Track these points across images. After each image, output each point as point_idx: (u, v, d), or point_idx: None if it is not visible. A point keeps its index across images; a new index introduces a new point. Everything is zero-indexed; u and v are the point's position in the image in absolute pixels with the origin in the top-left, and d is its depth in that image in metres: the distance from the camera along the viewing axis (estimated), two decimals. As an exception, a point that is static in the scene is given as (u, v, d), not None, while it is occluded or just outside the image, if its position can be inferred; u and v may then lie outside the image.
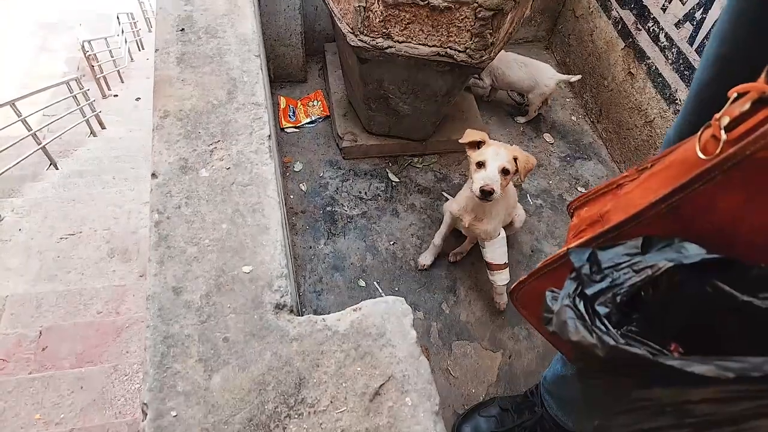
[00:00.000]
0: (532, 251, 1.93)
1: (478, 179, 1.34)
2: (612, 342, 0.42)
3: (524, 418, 1.40)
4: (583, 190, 2.13)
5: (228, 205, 0.80)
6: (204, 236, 0.77)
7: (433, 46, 1.53)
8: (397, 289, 1.78)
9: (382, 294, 1.76)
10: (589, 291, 0.47)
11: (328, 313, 1.68)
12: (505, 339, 1.71)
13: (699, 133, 0.48)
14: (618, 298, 0.46)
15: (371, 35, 1.52)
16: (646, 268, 0.45)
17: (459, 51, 1.53)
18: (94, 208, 2.79)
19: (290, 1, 1.93)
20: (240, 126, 0.89)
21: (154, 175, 0.83)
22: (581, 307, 0.46)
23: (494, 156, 1.35)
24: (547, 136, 2.28)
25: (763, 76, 0.43)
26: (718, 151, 0.43)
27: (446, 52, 1.54)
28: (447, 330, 1.71)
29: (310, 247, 1.84)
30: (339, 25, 1.57)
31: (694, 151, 0.47)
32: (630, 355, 0.41)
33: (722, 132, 0.43)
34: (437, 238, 1.79)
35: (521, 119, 2.30)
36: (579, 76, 2.11)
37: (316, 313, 1.69)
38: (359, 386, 0.75)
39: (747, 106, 0.42)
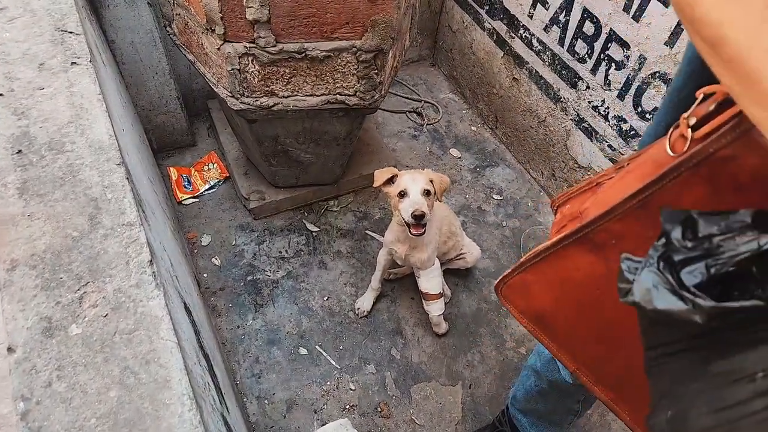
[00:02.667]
0: (466, 269, 1.92)
1: (406, 207, 1.34)
2: (711, 303, 0.36)
3: (498, 449, 1.38)
4: (499, 198, 2.18)
5: (113, 365, 0.66)
6: (89, 414, 0.62)
7: (322, 95, 1.46)
8: (341, 347, 1.68)
9: (329, 358, 1.65)
10: (676, 257, 0.41)
11: (274, 395, 1.54)
12: (461, 369, 1.68)
13: (669, 132, 0.51)
14: (712, 270, 0.39)
15: (253, 96, 1.42)
16: (752, 240, 0.39)
17: (349, 95, 1.48)
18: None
19: (158, 67, 1.76)
20: (112, 257, 0.75)
21: (10, 349, 0.66)
22: (668, 273, 0.40)
23: (412, 182, 1.36)
24: (454, 151, 2.31)
25: None
26: (685, 148, 0.47)
27: (336, 99, 1.48)
28: (402, 376, 1.64)
29: (238, 327, 1.68)
30: (216, 90, 1.46)
31: (665, 150, 0.50)
32: (738, 309, 0.36)
33: (689, 131, 0.46)
34: (374, 282, 1.72)
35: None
36: None
37: (258, 399, 1.54)
38: None
39: (712, 107, 0.45)
